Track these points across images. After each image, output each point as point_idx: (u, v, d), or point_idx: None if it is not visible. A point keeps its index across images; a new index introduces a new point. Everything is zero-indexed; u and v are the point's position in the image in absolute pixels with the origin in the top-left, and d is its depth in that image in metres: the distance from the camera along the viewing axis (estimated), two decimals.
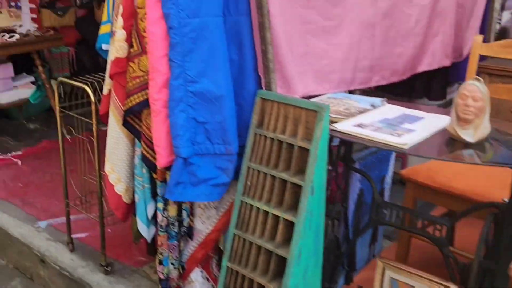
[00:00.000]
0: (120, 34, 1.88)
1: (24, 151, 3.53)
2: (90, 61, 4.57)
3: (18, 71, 3.74)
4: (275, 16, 1.74)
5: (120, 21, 1.88)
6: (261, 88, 1.79)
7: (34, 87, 3.68)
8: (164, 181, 1.94)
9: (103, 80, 2.24)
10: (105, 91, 2.04)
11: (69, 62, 4.35)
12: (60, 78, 2.28)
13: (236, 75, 1.79)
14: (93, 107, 2.14)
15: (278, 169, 1.68)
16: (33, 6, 3.66)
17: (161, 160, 1.73)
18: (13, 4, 3.59)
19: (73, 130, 2.38)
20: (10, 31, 3.51)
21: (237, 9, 1.75)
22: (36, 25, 3.65)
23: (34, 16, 3.66)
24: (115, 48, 1.89)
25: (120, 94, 1.93)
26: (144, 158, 1.91)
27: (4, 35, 3.40)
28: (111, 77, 1.97)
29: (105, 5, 2.10)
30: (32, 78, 3.71)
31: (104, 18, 2.09)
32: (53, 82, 3.99)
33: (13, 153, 3.46)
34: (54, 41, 3.63)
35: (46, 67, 3.86)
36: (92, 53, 4.65)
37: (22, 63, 3.85)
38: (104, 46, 2.06)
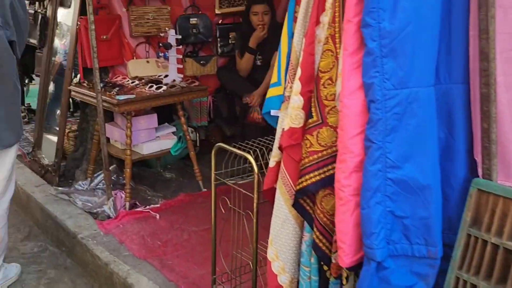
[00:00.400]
0: (296, 100, 1.62)
1: (162, 203, 3.42)
2: (227, 110, 4.48)
3: (158, 121, 3.70)
4: (500, 84, 1.37)
5: (297, 86, 1.62)
6: (476, 176, 1.41)
7: (175, 138, 3.60)
8: (338, 277, 1.62)
9: (266, 147, 2.00)
10: (271, 163, 1.78)
11: (207, 111, 4.28)
12: (219, 144, 2.07)
13: (443, 157, 1.43)
14: (255, 179, 1.89)
15: (507, 286, 1.27)
16: (180, 56, 3.62)
17: (345, 259, 1.41)
18: (161, 54, 3.59)
19: (228, 201, 2.14)
20: (157, 82, 3.49)
21: (450, 76, 1.41)
22: (181, 75, 3.60)
23: (180, 66, 3.62)
24: (290, 116, 1.63)
25: (292, 169, 1.65)
26: (315, 247, 1.60)
27: (151, 86, 3.38)
28: (281, 148, 1.71)
29: (275, 64, 1.87)
30: (173, 129, 3.65)
31: (274, 79, 1.86)
32: (190, 130, 3.91)
33: (152, 206, 3.36)
34: (199, 92, 3.54)
35: (185, 115, 3.78)
36: (229, 102, 4.58)
37: (162, 112, 3.82)
38: (273, 112, 1.82)
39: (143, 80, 3.58)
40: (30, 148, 4.21)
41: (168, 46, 3.49)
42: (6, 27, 2.46)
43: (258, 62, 4.05)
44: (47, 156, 4.01)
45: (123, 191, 3.39)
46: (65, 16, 4.40)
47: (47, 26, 4.01)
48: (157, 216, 3.24)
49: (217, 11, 4.20)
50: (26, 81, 5.39)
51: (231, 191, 2.21)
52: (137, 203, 3.40)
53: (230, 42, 4.29)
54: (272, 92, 1.85)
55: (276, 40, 3.93)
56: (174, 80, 3.55)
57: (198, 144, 4.13)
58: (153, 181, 3.90)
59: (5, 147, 2.55)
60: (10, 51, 2.48)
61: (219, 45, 4.26)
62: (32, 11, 4.16)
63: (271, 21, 3.97)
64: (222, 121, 4.56)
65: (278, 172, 1.74)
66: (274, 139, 1.91)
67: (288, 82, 1.71)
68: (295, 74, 1.66)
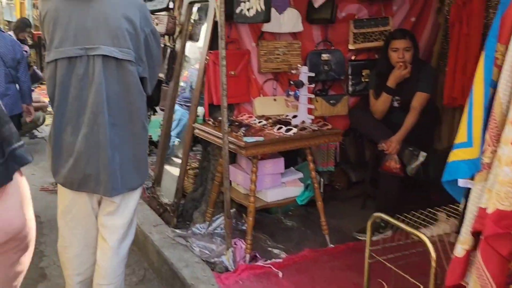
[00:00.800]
0: (508, 173, 1.18)
1: (284, 259, 3.06)
2: (355, 154, 4.09)
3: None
4: None
5: (507, 152, 1.19)
6: None
7: (301, 185, 3.26)
8: None
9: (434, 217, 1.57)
10: (459, 251, 1.35)
11: (334, 155, 3.91)
12: (378, 215, 1.67)
13: None
14: (432, 269, 1.46)
15: None
16: (312, 95, 3.30)
17: None
18: (291, 93, 3.29)
19: (385, 285, 1.73)
20: (286, 122, 3.19)
21: None
22: (311, 117, 3.27)
23: (311, 106, 3.29)
24: (496, 194, 1.20)
25: (496, 268, 1.21)
26: None
27: (280, 128, 3.08)
28: (475, 234, 1.27)
29: (463, 118, 1.45)
30: (300, 175, 3.31)
31: (461, 138, 1.43)
32: (318, 177, 3.55)
33: (273, 261, 3.02)
34: (331, 136, 3.17)
35: (313, 161, 3.44)
36: (358, 145, 4.17)
37: (286, 153, 3.51)
38: (461, 182, 1.39)
39: (270, 120, 3.31)
40: (149, 183, 4.12)
41: (299, 84, 3.20)
42: (139, 62, 2.30)
43: (396, 104, 3.62)
44: (166, 193, 3.89)
45: (242, 240, 3.10)
46: (190, 50, 4.35)
47: (175, 60, 3.92)
48: (280, 274, 2.89)
49: (350, 47, 3.86)
50: (149, 113, 5.43)
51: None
52: (257, 255, 3.09)
53: (362, 80, 3.91)
54: (458, 154, 1.43)
55: (417, 80, 3.52)
56: (303, 122, 3.24)
57: (321, 190, 3.76)
58: (273, 229, 3.59)
59: (129, 190, 2.38)
60: (140, 88, 2.32)
61: (350, 83, 3.90)
62: (162, 45, 4.13)
63: (413, 58, 3.53)
64: (348, 165, 4.18)
65: (468, 265, 1.30)
66: (447, 208, 1.47)
67: (489, 145, 1.28)
68: (501, 134, 1.23)
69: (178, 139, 5.59)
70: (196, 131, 3.40)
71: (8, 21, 10.25)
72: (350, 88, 3.90)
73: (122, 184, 2.32)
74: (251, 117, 3.42)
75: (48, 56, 2.28)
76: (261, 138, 2.91)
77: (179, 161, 4.99)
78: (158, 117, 5.22)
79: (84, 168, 2.26)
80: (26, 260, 0.71)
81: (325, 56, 3.71)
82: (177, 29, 3.96)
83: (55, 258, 3.30)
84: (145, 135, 2.38)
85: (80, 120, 2.24)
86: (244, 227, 3.45)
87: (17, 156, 0.69)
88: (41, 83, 7.63)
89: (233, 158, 3.40)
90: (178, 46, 3.92)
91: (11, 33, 6.62)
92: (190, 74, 5.79)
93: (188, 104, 5.68)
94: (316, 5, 2.98)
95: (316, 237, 3.39)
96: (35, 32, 8.13)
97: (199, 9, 4.10)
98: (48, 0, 2.26)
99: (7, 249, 0.68)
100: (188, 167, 3.91)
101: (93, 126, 2.22)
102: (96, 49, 2.19)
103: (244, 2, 2.45)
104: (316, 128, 3.13)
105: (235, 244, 3.05)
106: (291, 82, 3.27)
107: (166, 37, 4.13)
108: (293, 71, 3.29)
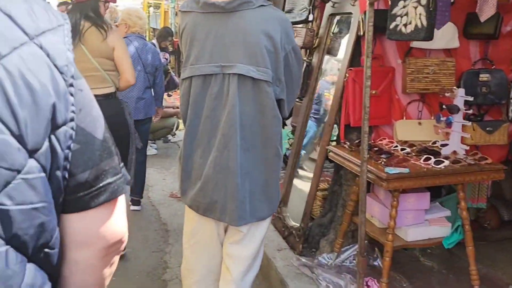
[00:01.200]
0: None
1: None
2: (511, 190, 3.51)
3: None
4: None
5: None
6: None
7: (448, 225, 2.82)
8: None
9: None
10: None
11: (487, 190, 3.39)
12: None
13: None
14: None
15: None
16: (468, 123, 2.85)
17: None
18: (443, 118, 2.86)
19: None
20: (433, 152, 2.79)
21: None
22: (465, 147, 2.83)
23: (467, 135, 2.84)
24: None
25: None
26: None
27: (428, 158, 2.69)
28: None
29: None
30: (448, 213, 2.87)
31: None
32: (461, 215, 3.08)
33: None
34: (492, 173, 2.67)
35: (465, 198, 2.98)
36: None
37: None
38: None
39: (414, 148, 2.93)
40: None
41: (454, 110, 2.78)
42: (277, 83, 2.10)
43: None
44: (291, 209, 3.68)
45: (375, 281, 2.77)
46: (326, 64, 4.10)
47: (311, 75, 3.70)
48: None
49: None
50: None
51: None
52: None
53: None
54: None
55: None
56: (455, 152, 2.81)
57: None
58: (409, 268, 3.19)
59: (257, 220, 2.19)
60: (276, 111, 2.11)
61: (511, 108, 3.35)
62: None
63: None
64: (500, 202, 3.61)
65: None
66: None
67: None
68: None
69: (303, 151, 5.38)
70: (330, 154, 3.13)
71: (153, 28, 10.95)
72: (510, 114, 3.35)
73: (250, 213, 2.13)
74: (391, 142, 3.07)
75: (183, 72, 2.18)
76: (405, 170, 2.55)
77: (303, 173, 4.77)
78: (285, 129, 5.04)
79: (211, 193, 2.11)
80: (117, 261, 0.84)
81: (483, 77, 3.22)
82: (315, 42, 3.73)
83: (178, 271, 3.25)
84: (278, 162, 2.17)
85: (211, 142, 2.10)
86: (376, 263, 3.12)
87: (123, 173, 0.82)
88: (178, 89, 7.90)
89: (368, 186, 3.08)
90: (314, 60, 3.69)
91: (154, 41, 6.93)
92: (320, 85, 5.54)
93: (316, 116, 5.44)
94: (483, 19, 2.55)
95: (461, 285, 2.93)
96: (175, 40, 8.48)
97: (339, 22, 3.83)
98: (188, 13, 2.15)
99: (111, 251, 0.79)
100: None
101: (223, 150, 2.07)
102: (232, 67, 2.03)
103: (401, 16, 2.13)
104: (473, 162, 2.68)
105: (367, 285, 2.73)
106: (444, 107, 2.86)
107: (302, 50, 3.92)
108: (447, 94, 2.87)
